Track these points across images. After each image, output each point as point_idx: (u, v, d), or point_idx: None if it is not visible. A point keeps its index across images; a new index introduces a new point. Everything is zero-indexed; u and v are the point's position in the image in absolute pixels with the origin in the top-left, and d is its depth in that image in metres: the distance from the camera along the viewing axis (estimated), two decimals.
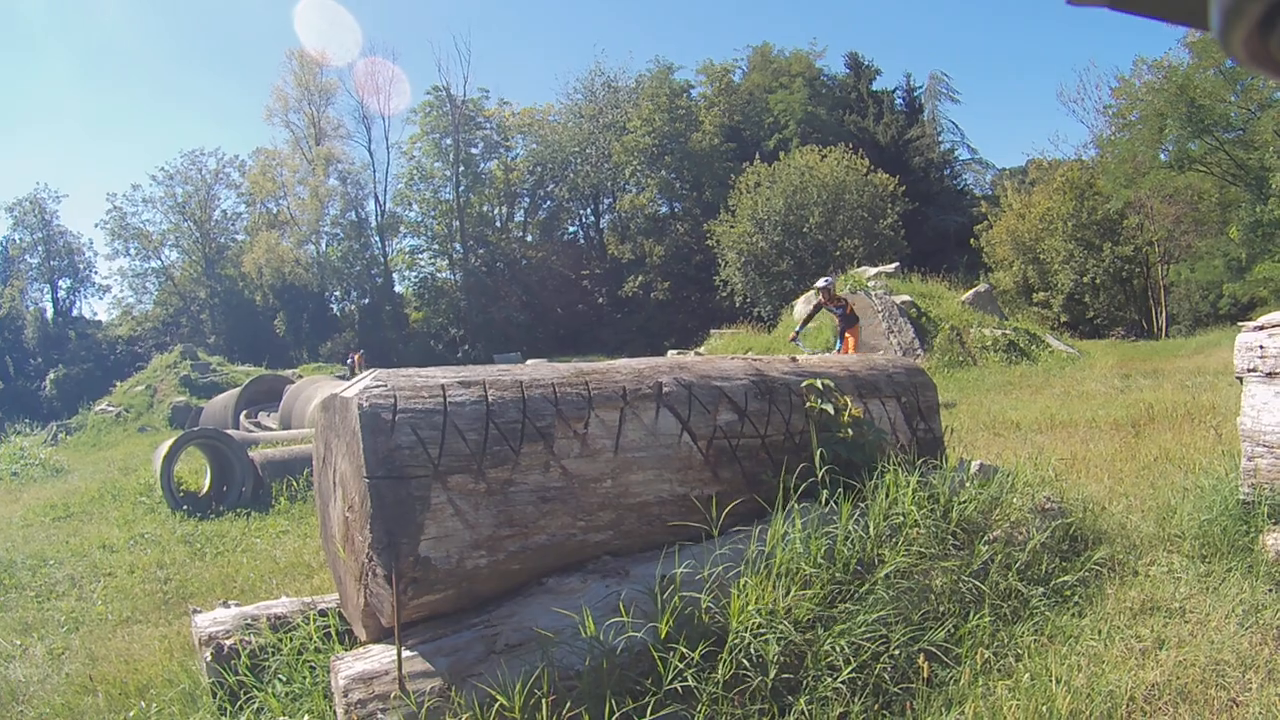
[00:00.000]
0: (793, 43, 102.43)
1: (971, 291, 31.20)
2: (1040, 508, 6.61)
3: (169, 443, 14.95)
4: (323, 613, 5.63)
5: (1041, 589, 5.66)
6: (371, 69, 76.98)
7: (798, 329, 20.96)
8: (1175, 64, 45.12)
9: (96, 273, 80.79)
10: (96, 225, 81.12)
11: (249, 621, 5.63)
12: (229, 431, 18.56)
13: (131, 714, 5.66)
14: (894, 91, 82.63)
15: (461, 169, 75.54)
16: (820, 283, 19.27)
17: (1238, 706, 4.26)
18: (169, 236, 79.12)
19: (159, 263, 79.96)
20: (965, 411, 15.62)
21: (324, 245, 78.45)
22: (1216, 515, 6.52)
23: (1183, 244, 52.74)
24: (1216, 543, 6.31)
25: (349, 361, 45.89)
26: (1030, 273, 58.22)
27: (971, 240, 63.62)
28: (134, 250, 78.44)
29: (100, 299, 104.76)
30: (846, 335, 18.65)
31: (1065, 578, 5.82)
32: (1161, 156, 48.30)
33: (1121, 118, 50.91)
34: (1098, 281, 54.73)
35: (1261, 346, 6.63)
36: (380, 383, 4.82)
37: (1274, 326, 6.71)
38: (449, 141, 75.29)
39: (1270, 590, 5.49)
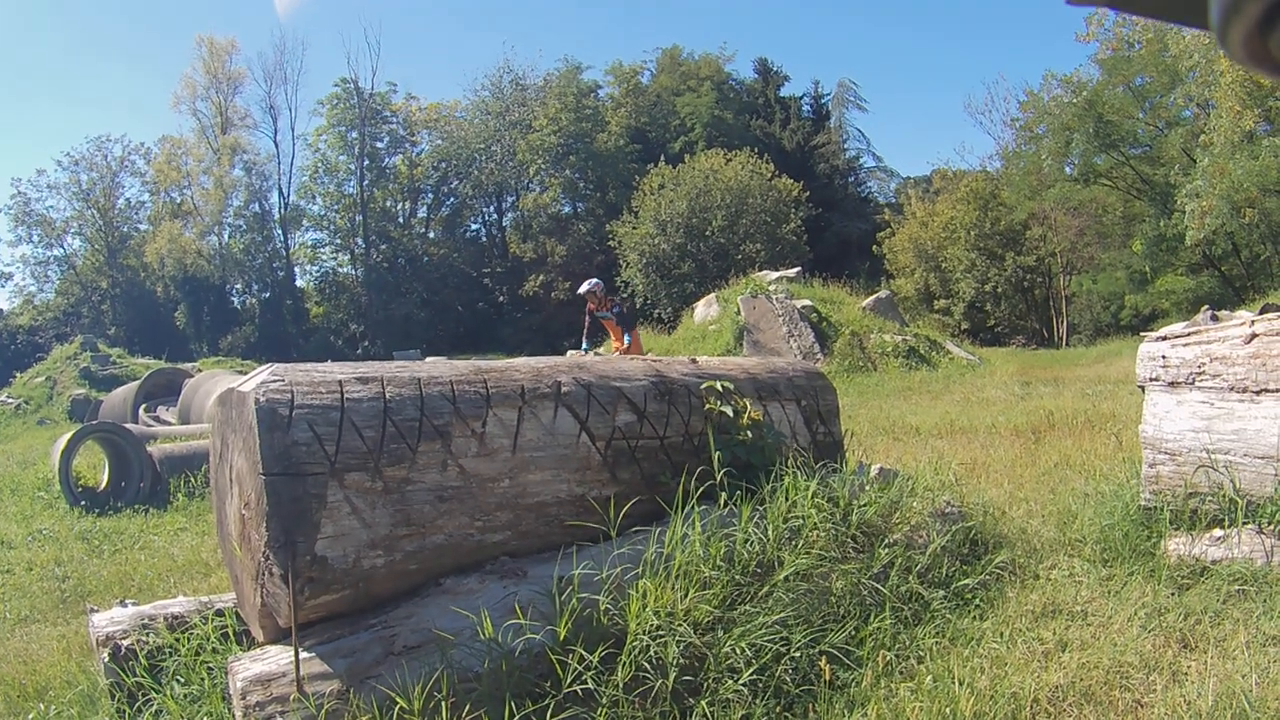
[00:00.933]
0: (702, 46, 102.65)
1: (873, 297, 31.60)
2: (940, 512, 6.66)
3: (67, 436, 14.68)
4: (220, 612, 5.53)
5: (942, 592, 5.70)
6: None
7: (585, 346, 17.72)
8: (1085, 80, 46.07)
9: None
10: (0, 210, 79.58)
11: (146, 621, 5.52)
12: (128, 425, 18.26)
13: (30, 717, 5.53)
14: (802, 98, 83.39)
15: (366, 163, 75.21)
16: (584, 286, 17.30)
17: (1142, 708, 4.31)
18: (72, 224, 77.61)
19: (62, 251, 78.52)
20: (865, 416, 15.73)
21: (226, 237, 77.45)
22: (1118, 520, 6.63)
23: (1085, 255, 54.04)
24: (1118, 547, 6.40)
25: None
26: (932, 280, 59.23)
27: (874, 247, 64.85)
28: (37, 237, 76.71)
29: (3, 287, 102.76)
30: (628, 337, 16.89)
31: (966, 581, 5.86)
32: (1067, 169, 49.40)
33: (1028, 130, 52.06)
34: (999, 290, 55.80)
35: (1164, 356, 6.78)
36: (277, 378, 4.74)
37: (1177, 337, 6.87)
38: (355, 135, 74.96)
39: (1172, 594, 5.57)
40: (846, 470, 6.87)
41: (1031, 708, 4.35)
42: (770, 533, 5.55)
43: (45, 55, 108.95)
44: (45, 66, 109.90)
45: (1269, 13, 0.81)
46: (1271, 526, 5.91)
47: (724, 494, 5.87)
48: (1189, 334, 6.84)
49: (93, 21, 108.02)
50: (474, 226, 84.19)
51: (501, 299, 75.87)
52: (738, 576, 5.19)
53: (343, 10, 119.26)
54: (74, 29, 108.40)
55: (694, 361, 7.24)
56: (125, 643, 5.32)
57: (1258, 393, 6.16)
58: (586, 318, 17.67)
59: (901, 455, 10.93)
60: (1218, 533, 6.02)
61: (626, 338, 16.78)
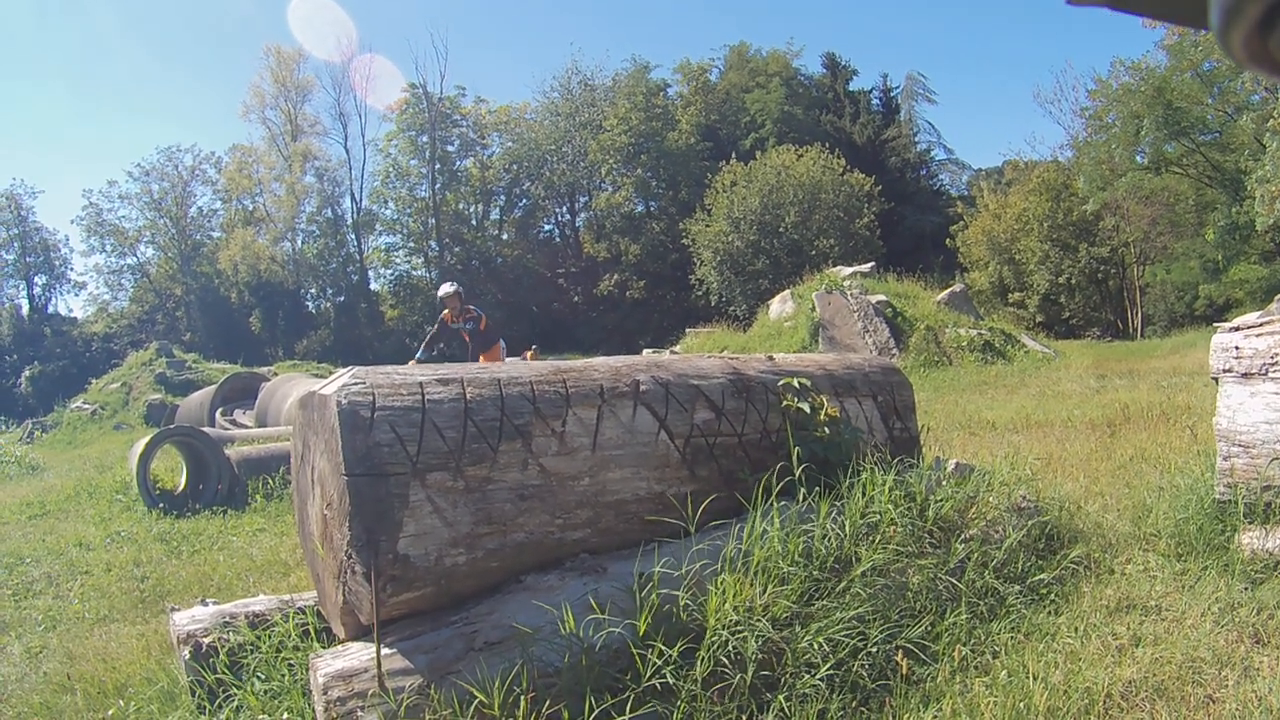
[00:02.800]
0: (770, 42, 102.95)
1: (947, 291, 31.24)
2: (1016, 506, 6.63)
3: (145, 440, 14.80)
4: (300, 610, 5.57)
5: (1018, 587, 5.67)
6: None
7: (420, 355, 16.66)
8: (1152, 66, 45.31)
9: (72, 269, 79.86)
10: (72, 221, 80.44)
11: (227, 619, 5.57)
12: (205, 429, 18.41)
13: (110, 713, 5.60)
14: (871, 92, 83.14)
15: (438, 167, 75.37)
16: (445, 289, 16.84)
17: (1214, 703, 4.28)
18: (145, 233, 78.42)
19: (135, 259, 79.36)
20: (941, 411, 15.61)
21: (300, 242, 77.96)
22: (1192, 514, 6.55)
23: (1158, 245, 53.18)
24: (1192, 541, 6.33)
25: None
26: (1006, 273, 58.71)
27: (947, 240, 64.15)
28: (110, 247, 77.71)
29: (76, 296, 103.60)
30: (482, 357, 16.35)
31: (1041, 576, 5.83)
32: (1138, 158, 48.56)
33: (1098, 119, 51.09)
34: (1073, 282, 55.22)
35: (1237, 347, 6.67)
36: (358, 380, 4.80)
37: (1249, 328, 6.76)
38: (425, 139, 75.12)
39: (1246, 588, 5.52)
40: (923, 466, 6.85)
41: (1104, 702, 4.33)
42: (848, 528, 5.55)
43: (113, 70, 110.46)
44: (113, 82, 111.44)
45: (1269, 13, 0.82)
46: None
47: (802, 490, 5.86)
48: (1262, 324, 6.75)
49: (158, 36, 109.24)
50: (547, 227, 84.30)
51: (576, 299, 75.77)
52: (815, 572, 5.19)
53: (408, 17, 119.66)
54: (141, 44, 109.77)
55: (771, 359, 7.22)
56: (206, 640, 5.37)
57: None
58: (435, 327, 16.95)
59: (978, 450, 10.84)
60: None
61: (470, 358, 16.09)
